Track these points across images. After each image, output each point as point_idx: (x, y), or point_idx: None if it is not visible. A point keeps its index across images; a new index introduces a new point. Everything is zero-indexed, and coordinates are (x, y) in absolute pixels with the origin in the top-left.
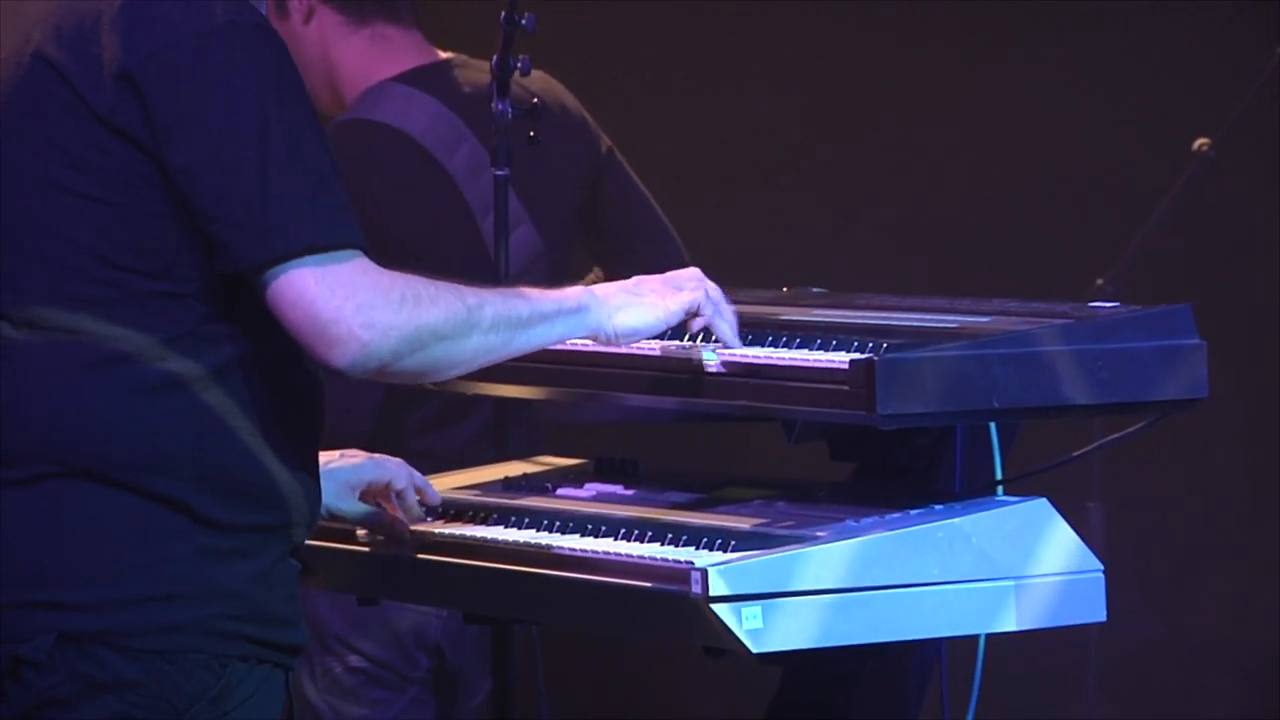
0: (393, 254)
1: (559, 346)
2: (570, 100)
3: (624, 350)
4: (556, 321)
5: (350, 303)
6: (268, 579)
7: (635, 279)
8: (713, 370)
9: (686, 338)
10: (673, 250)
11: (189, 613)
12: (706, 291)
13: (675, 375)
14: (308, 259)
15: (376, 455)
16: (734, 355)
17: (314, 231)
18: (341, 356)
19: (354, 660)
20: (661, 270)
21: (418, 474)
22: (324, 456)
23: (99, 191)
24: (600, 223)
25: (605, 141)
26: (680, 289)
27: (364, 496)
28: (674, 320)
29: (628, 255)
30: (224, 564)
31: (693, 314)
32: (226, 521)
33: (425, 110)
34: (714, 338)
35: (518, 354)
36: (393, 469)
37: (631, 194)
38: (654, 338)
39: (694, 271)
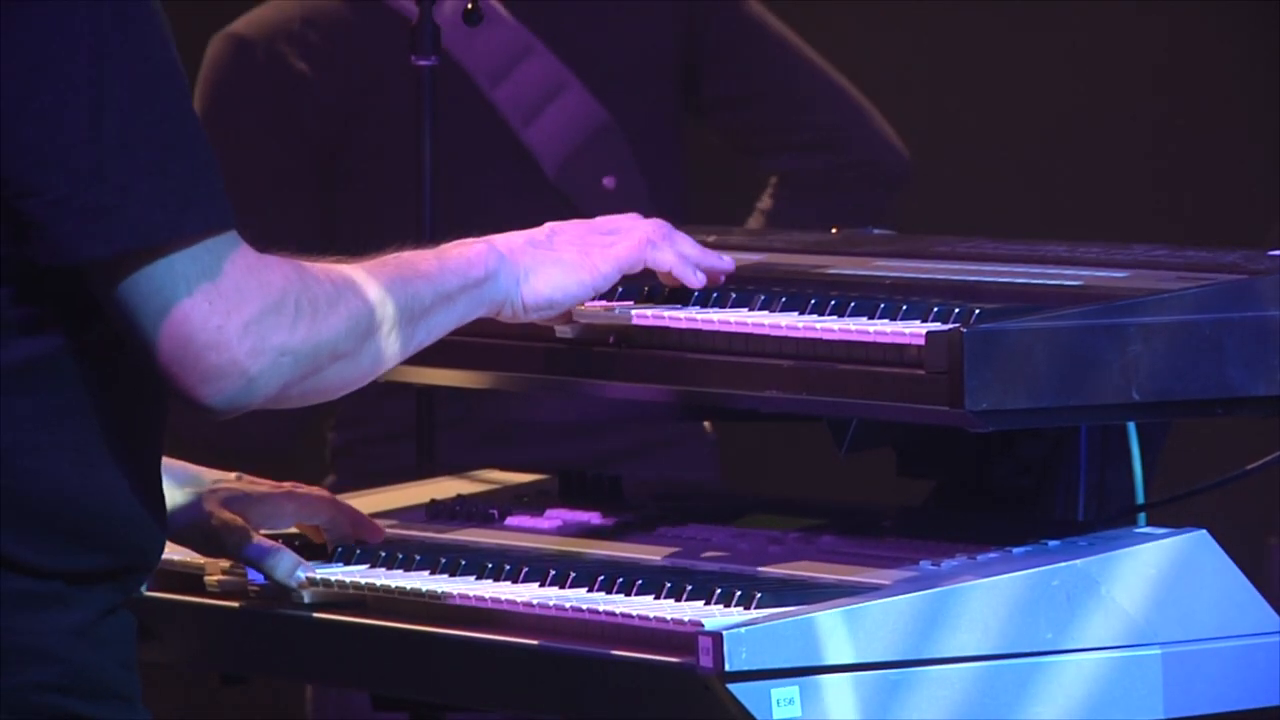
0: (376, 180)
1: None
2: None
3: (598, 319)
4: (459, 300)
5: (234, 320)
6: (95, 635)
7: (548, 227)
8: (720, 344)
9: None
10: (830, 115)
11: None
12: (648, 235)
13: (669, 354)
14: (173, 255)
15: (288, 487)
16: (760, 326)
17: (177, 212)
18: (216, 394)
19: None
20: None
21: (347, 506)
22: (211, 475)
23: None
24: (708, 86)
25: None
26: (612, 243)
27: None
28: (605, 283)
29: (747, 125)
30: (35, 613)
31: (635, 270)
32: (38, 567)
33: None
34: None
35: (411, 354)
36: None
37: (751, 37)
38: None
39: (631, 216)
